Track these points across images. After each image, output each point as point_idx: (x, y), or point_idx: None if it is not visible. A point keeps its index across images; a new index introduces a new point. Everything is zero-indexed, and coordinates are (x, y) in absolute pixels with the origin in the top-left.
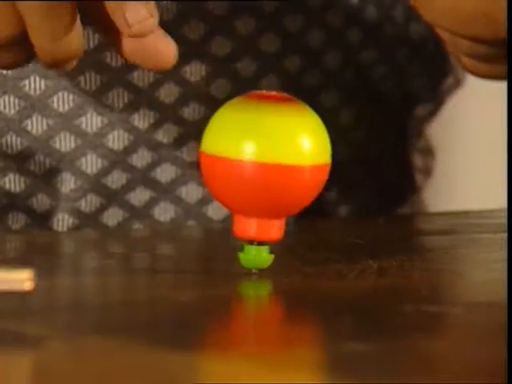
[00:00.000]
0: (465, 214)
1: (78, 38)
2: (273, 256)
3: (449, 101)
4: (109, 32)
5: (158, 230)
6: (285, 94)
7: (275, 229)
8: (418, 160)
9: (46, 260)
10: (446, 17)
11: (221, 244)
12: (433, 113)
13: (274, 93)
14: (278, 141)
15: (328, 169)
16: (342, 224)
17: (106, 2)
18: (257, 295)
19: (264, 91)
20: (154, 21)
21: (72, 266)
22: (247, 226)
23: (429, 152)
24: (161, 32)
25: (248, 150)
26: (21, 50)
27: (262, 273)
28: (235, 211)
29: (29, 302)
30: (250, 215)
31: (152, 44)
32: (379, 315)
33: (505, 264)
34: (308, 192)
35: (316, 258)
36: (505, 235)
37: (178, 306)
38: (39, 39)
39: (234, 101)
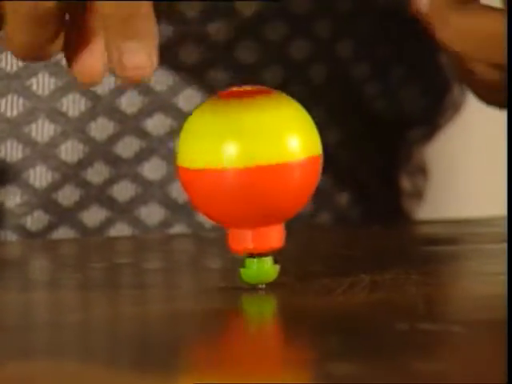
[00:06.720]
0: (465, 222)
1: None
2: (278, 266)
3: (445, 126)
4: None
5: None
6: (257, 87)
7: (275, 236)
8: (407, 183)
9: None
10: (461, 38)
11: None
12: (427, 137)
13: (246, 87)
14: (262, 140)
15: (321, 160)
16: (329, 234)
17: (104, 32)
18: (236, 312)
19: (234, 88)
20: (151, 69)
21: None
22: (243, 239)
23: (420, 174)
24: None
25: (231, 157)
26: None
27: (242, 288)
28: (227, 225)
29: None
30: (245, 226)
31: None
32: (371, 334)
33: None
34: (303, 189)
35: (301, 271)
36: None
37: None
38: None
39: (206, 104)
